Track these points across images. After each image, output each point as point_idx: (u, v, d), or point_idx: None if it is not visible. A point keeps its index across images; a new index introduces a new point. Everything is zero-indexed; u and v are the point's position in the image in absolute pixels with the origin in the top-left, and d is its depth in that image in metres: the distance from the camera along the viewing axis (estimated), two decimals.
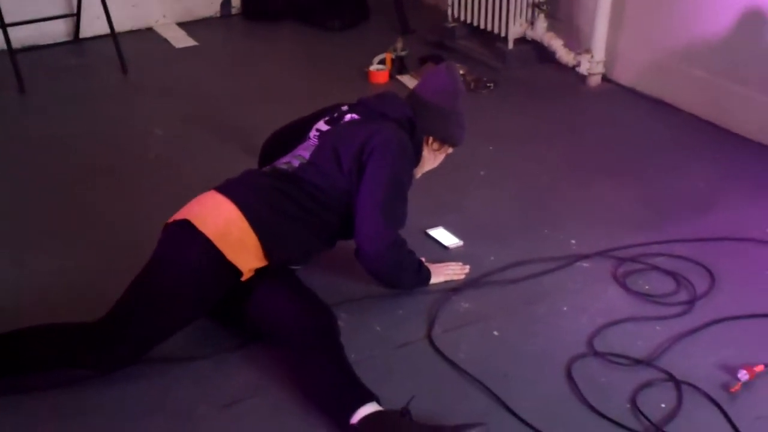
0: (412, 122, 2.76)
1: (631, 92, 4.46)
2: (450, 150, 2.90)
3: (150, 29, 5.36)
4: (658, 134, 4.02)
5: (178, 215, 2.55)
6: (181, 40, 5.22)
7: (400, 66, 4.67)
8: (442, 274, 2.90)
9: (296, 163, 2.70)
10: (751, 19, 3.81)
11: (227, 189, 2.61)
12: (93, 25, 4.98)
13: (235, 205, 2.53)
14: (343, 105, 2.86)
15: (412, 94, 2.84)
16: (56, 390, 2.42)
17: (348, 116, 2.79)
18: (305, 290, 2.58)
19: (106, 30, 4.76)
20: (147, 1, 5.33)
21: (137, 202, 3.40)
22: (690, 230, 3.19)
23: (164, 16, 5.42)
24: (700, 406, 2.39)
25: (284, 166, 2.71)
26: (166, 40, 5.21)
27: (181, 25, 5.43)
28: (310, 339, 2.43)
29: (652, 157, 3.80)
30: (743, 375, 2.45)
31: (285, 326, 2.47)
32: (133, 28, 5.24)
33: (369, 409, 2.22)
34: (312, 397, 2.36)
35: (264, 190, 2.61)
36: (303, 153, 2.73)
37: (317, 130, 2.79)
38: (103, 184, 3.56)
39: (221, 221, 2.49)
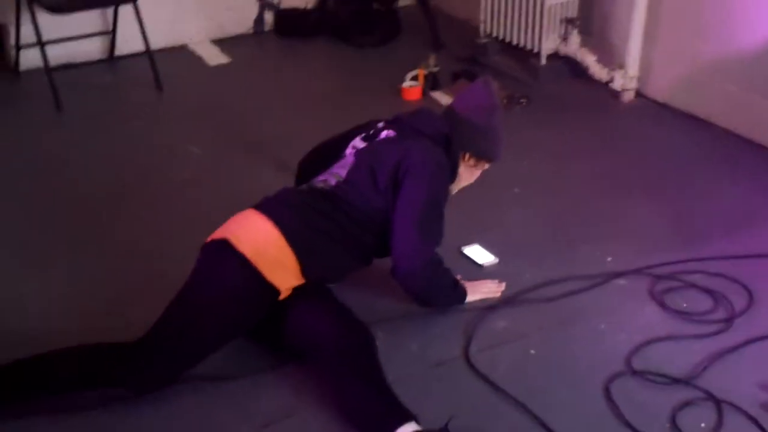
0: (448, 138, 2.77)
1: (665, 108, 4.44)
2: (486, 166, 2.90)
3: (184, 47, 5.40)
4: (693, 150, 4.00)
5: (216, 234, 2.56)
6: (214, 57, 5.25)
7: (433, 82, 4.67)
8: (478, 292, 2.90)
9: (333, 182, 2.71)
10: None
11: (264, 207, 2.62)
12: (128, 42, 5.02)
13: (273, 223, 2.54)
14: (379, 121, 2.87)
15: (449, 109, 2.85)
16: (92, 411, 2.44)
17: (384, 133, 2.80)
18: (343, 308, 2.59)
19: (140, 47, 4.80)
20: (182, 19, 5.38)
21: (173, 221, 3.43)
22: (726, 247, 3.17)
23: (198, 34, 5.46)
24: (740, 425, 2.38)
25: (321, 185, 2.72)
26: (200, 58, 5.25)
27: (215, 42, 5.47)
28: (348, 358, 2.43)
29: (687, 174, 3.78)
30: None
31: (323, 345, 2.47)
32: (167, 46, 5.28)
33: (409, 429, 2.22)
34: (350, 418, 2.36)
35: (301, 209, 2.63)
36: (339, 171, 2.74)
37: (353, 147, 2.80)
38: (138, 202, 3.59)
39: (259, 240, 2.51)
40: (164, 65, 4.87)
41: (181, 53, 5.32)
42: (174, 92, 4.75)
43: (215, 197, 3.52)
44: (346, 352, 2.44)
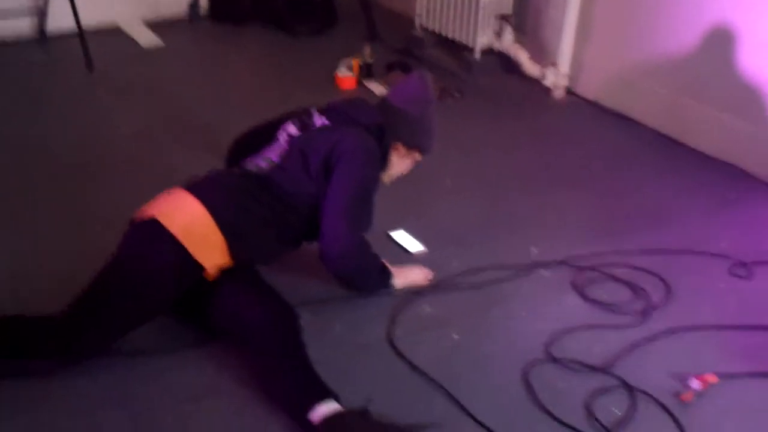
0: (380, 128, 2.79)
1: (595, 106, 4.53)
2: (419, 157, 2.93)
3: (116, 28, 5.34)
4: (620, 147, 4.10)
5: (144, 211, 2.55)
6: (147, 39, 5.20)
7: (367, 72, 4.70)
8: (404, 277, 2.92)
9: (264, 165, 2.72)
10: (713, 37, 3.89)
11: (194, 187, 2.62)
12: (59, 21, 4.94)
13: (202, 203, 2.54)
14: (313, 109, 2.88)
15: (384, 100, 2.87)
16: (13, 382, 2.40)
17: (318, 121, 2.81)
18: (269, 289, 2.60)
19: (72, 27, 4.73)
20: (115, 0, 5.31)
21: (103, 199, 3.40)
22: (648, 242, 3.25)
23: (131, 15, 5.40)
24: (652, 413, 2.44)
25: (252, 168, 2.73)
26: (132, 39, 5.20)
27: (148, 24, 5.41)
28: (272, 338, 2.44)
29: (614, 170, 3.86)
30: (695, 384, 2.50)
31: (247, 325, 2.48)
32: (100, 26, 5.22)
33: (329, 407, 2.23)
34: (272, 395, 2.37)
35: (231, 190, 2.63)
36: (271, 155, 2.75)
37: (287, 133, 2.81)
38: (69, 182, 3.54)
39: (187, 218, 2.50)
40: (96, 46, 4.81)
41: (113, 34, 5.26)
42: (105, 73, 4.69)
43: (145, 178, 3.49)
44: (270, 331, 2.44)
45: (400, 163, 2.92)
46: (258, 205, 2.62)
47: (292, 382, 2.34)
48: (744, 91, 3.81)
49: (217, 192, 2.61)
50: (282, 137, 2.81)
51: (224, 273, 2.56)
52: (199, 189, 2.60)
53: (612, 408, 2.44)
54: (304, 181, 2.68)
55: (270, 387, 2.39)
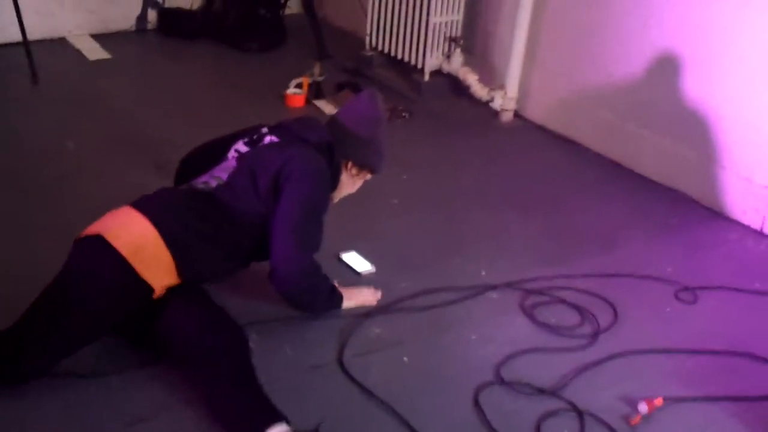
0: (330, 147, 2.78)
1: (541, 129, 4.58)
2: (369, 176, 2.93)
3: (63, 39, 5.26)
4: (566, 171, 4.15)
5: (91, 229, 2.51)
6: (94, 52, 5.13)
7: (316, 91, 4.69)
8: (354, 298, 2.91)
9: (213, 184, 2.69)
10: (657, 64, 3.97)
11: (142, 205, 2.58)
12: (3, 31, 4.86)
13: (150, 221, 2.50)
14: (263, 127, 2.87)
15: (333, 119, 2.87)
16: None
17: (267, 138, 2.79)
18: (217, 309, 2.57)
19: (17, 37, 4.65)
20: (61, 11, 5.24)
21: (47, 216, 3.33)
22: (595, 265, 3.29)
23: (78, 27, 5.33)
24: None
25: (201, 186, 2.70)
26: (79, 51, 5.13)
27: (95, 37, 5.35)
28: (218, 359, 2.41)
29: (560, 193, 3.91)
30: (643, 407, 2.53)
31: (194, 344, 2.44)
32: (46, 37, 5.14)
33: (278, 430, 2.21)
34: (220, 418, 2.34)
35: (179, 209, 2.60)
36: (221, 174, 2.72)
37: (236, 151, 2.79)
38: (11, 197, 3.47)
39: (135, 237, 2.47)
40: (41, 57, 4.73)
41: (59, 46, 5.19)
42: (50, 85, 4.61)
43: (91, 194, 3.44)
44: (217, 353, 2.41)
45: (350, 183, 2.91)
46: (206, 223, 2.59)
47: (242, 407, 2.31)
48: (686, 117, 3.89)
49: (165, 210, 2.58)
50: (231, 155, 2.79)
51: (171, 290, 2.53)
52: (146, 207, 2.57)
53: (561, 430, 2.45)
54: (253, 200, 2.66)
55: (219, 411, 2.35)
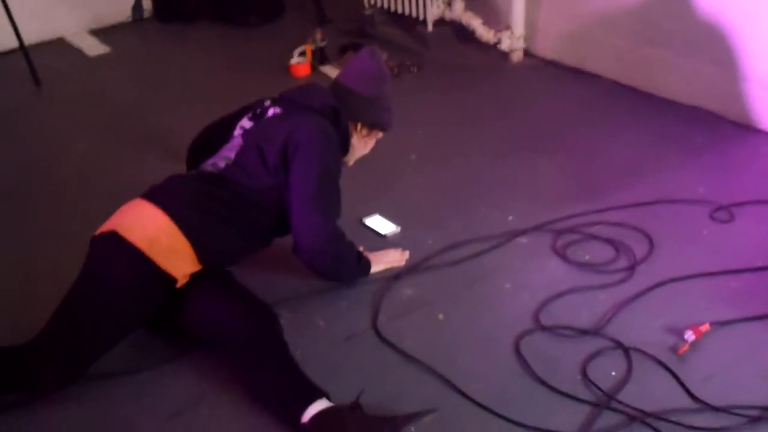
0: (336, 111, 2.71)
1: (553, 65, 4.47)
2: (380, 135, 2.86)
3: (61, 39, 5.21)
4: (584, 104, 4.04)
5: (104, 227, 2.46)
6: (93, 48, 5.08)
7: (321, 57, 4.61)
8: (381, 262, 2.85)
9: (222, 165, 2.63)
10: None
11: (153, 196, 2.53)
12: (0, 39, 4.81)
13: (162, 211, 2.45)
14: (266, 100, 2.80)
15: (336, 82, 2.79)
16: None
17: (271, 111, 2.73)
18: (243, 291, 2.52)
19: (14, 44, 4.60)
20: (55, 11, 5.18)
21: (62, 218, 3.29)
22: (624, 197, 3.19)
23: (75, 25, 5.27)
24: (650, 370, 2.39)
25: (210, 168, 2.64)
26: (78, 49, 5.08)
27: (93, 32, 5.29)
28: (251, 341, 2.36)
29: (580, 128, 3.80)
30: (690, 336, 2.45)
31: (224, 330, 2.40)
32: (43, 39, 5.09)
33: (320, 406, 2.16)
34: (260, 401, 2.29)
35: (191, 194, 2.54)
36: (228, 153, 2.66)
37: (241, 128, 2.73)
38: (26, 203, 3.43)
39: (149, 229, 2.41)
40: (41, 60, 4.69)
41: (58, 46, 5.14)
42: (53, 87, 4.57)
43: (103, 192, 3.39)
44: (249, 334, 2.36)
45: (361, 144, 2.85)
46: (219, 205, 2.53)
47: (279, 387, 2.26)
48: (700, 32, 3.76)
49: (177, 198, 2.52)
50: (236, 132, 2.73)
51: (194, 277, 2.48)
52: (158, 197, 2.51)
53: (608, 370, 2.38)
54: (263, 175, 2.59)
55: (257, 393, 2.31)
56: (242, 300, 2.48)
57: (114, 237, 2.39)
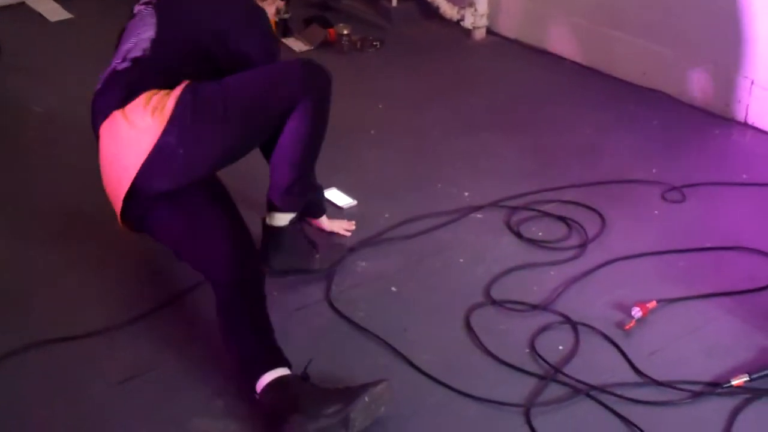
0: None
1: (515, 43, 4.49)
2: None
3: (22, 3, 5.13)
4: (544, 84, 4.07)
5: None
6: (55, 12, 5.01)
7: (284, 29, 4.59)
8: (329, 224, 2.89)
9: (147, 45, 2.58)
10: None
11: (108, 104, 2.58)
12: None
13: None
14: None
15: None
16: None
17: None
18: (244, 228, 2.48)
19: None
20: None
21: (29, 180, 3.30)
22: (578, 176, 3.24)
23: None
24: (596, 345, 2.44)
25: (139, 54, 2.57)
26: (39, 14, 5.01)
27: None
28: (238, 286, 2.34)
29: (539, 107, 3.84)
30: (636, 312, 2.50)
31: (217, 270, 2.37)
32: (4, 3, 5.02)
33: (274, 374, 2.15)
34: (226, 349, 2.29)
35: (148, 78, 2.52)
36: (142, 33, 2.63)
37: (143, 4, 2.71)
38: None
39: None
40: (2, 26, 4.62)
41: (19, 10, 5.05)
42: (13, 51, 4.50)
43: (65, 154, 3.39)
44: (238, 280, 2.34)
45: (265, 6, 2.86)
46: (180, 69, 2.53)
47: (243, 353, 2.25)
48: (658, 14, 3.81)
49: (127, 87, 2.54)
50: (139, 9, 2.72)
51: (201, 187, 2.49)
52: (112, 101, 2.58)
53: (556, 344, 2.43)
54: (197, 35, 2.62)
55: (226, 342, 2.29)
56: (242, 243, 2.44)
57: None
